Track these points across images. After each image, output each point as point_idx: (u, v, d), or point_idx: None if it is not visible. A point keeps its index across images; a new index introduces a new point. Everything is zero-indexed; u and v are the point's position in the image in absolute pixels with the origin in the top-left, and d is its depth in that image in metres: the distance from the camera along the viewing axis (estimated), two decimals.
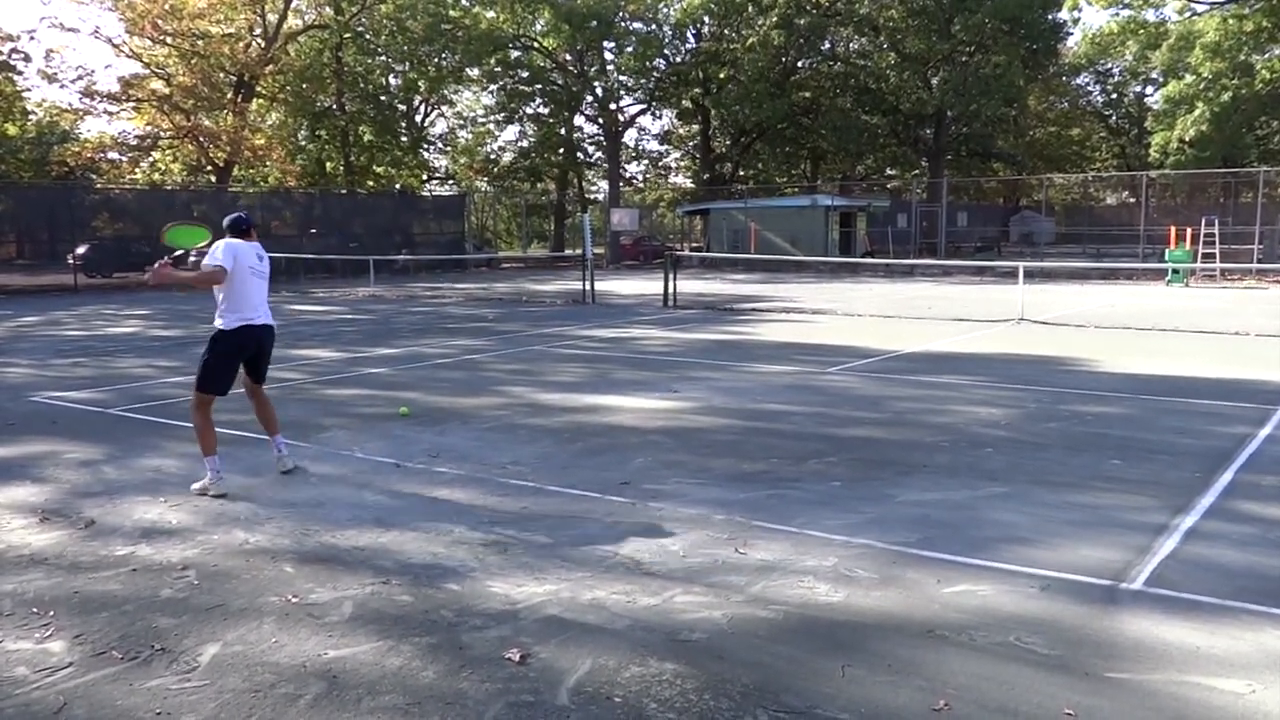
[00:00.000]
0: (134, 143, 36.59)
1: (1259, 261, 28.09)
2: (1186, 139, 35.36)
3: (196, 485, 5.76)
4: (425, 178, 49.13)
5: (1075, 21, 44.91)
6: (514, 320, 16.91)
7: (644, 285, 25.90)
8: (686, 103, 48.79)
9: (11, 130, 35.46)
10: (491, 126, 53.04)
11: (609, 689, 3.30)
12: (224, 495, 5.64)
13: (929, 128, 46.04)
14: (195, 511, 5.39)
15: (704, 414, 8.10)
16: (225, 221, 6.06)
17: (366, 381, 10.07)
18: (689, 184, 55.96)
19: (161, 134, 36.05)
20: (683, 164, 59.21)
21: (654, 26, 45.28)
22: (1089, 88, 56.96)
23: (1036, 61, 43.60)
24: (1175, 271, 24.46)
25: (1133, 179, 44.76)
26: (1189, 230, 26.67)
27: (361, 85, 41.12)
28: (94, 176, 36.35)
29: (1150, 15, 39.51)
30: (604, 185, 53.99)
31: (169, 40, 33.74)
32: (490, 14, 43.12)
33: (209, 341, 5.95)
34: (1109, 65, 51.74)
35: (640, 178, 60.23)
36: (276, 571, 4.45)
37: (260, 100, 39.00)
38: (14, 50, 31.30)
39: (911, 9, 41.18)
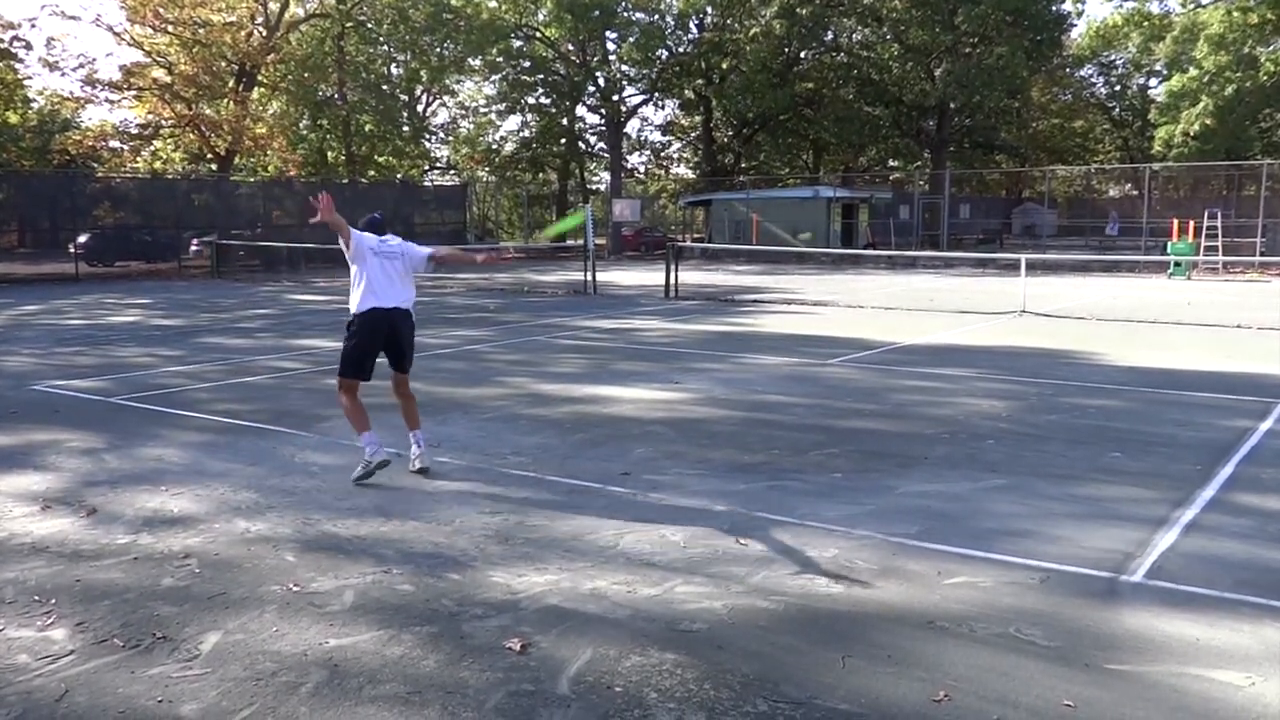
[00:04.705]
0: (135, 131, 36.54)
1: (1261, 254, 28.02)
2: (1191, 133, 35.27)
3: (356, 471, 5.73)
4: (426, 168, 49.02)
5: (1079, 13, 44.82)
6: (515, 311, 16.89)
7: (645, 276, 25.86)
8: (689, 93, 48.70)
9: (13, 118, 35.42)
10: (493, 116, 52.94)
11: (609, 678, 3.31)
12: (386, 463, 5.69)
13: (932, 119, 45.93)
14: (197, 500, 5.40)
15: (705, 405, 8.10)
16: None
17: None
18: (691, 175, 55.86)
19: (163, 123, 35.98)
20: (685, 155, 59.09)
21: (656, 16, 45.18)
22: (1092, 80, 56.72)
23: (1040, 53, 43.45)
24: (1177, 264, 24.44)
25: (1135, 171, 44.66)
26: (1191, 223, 26.61)
27: (363, 75, 41.00)
28: (95, 165, 36.33)
29: (1154, 7, 39.38)
30: (606, 176, 53.91)
31: (170, 28, 33.63)
32: (492, 3, 43.02)
33: (345, 328, 6.14)
34: (1112, 57, 51.55)
35: (642, 168, 60.16)
36: (278, 560, 4.46)
37: (262, 89, 38.89)
38: (15, 38, 31.20)
39: (914, 0, 41.07)
